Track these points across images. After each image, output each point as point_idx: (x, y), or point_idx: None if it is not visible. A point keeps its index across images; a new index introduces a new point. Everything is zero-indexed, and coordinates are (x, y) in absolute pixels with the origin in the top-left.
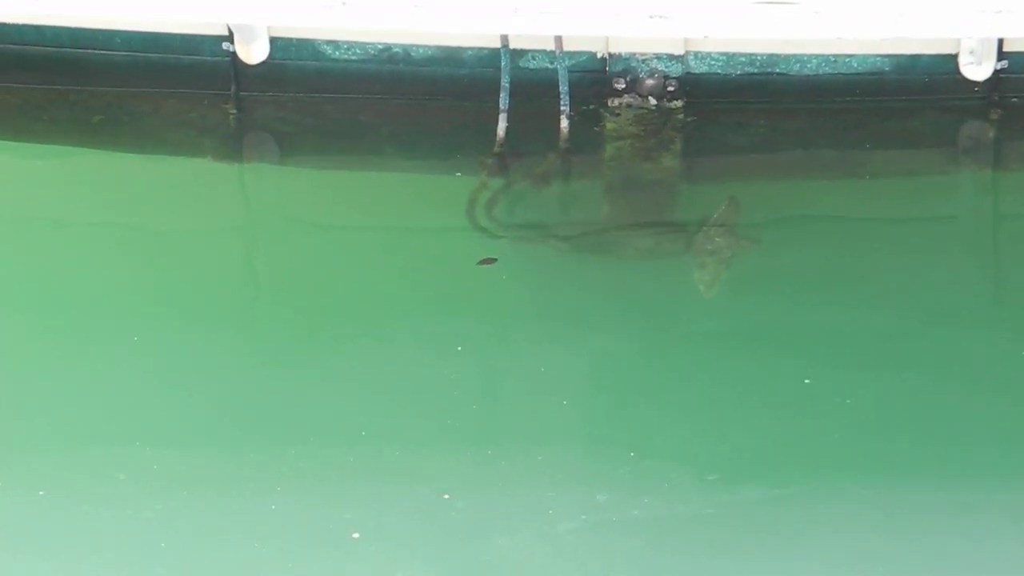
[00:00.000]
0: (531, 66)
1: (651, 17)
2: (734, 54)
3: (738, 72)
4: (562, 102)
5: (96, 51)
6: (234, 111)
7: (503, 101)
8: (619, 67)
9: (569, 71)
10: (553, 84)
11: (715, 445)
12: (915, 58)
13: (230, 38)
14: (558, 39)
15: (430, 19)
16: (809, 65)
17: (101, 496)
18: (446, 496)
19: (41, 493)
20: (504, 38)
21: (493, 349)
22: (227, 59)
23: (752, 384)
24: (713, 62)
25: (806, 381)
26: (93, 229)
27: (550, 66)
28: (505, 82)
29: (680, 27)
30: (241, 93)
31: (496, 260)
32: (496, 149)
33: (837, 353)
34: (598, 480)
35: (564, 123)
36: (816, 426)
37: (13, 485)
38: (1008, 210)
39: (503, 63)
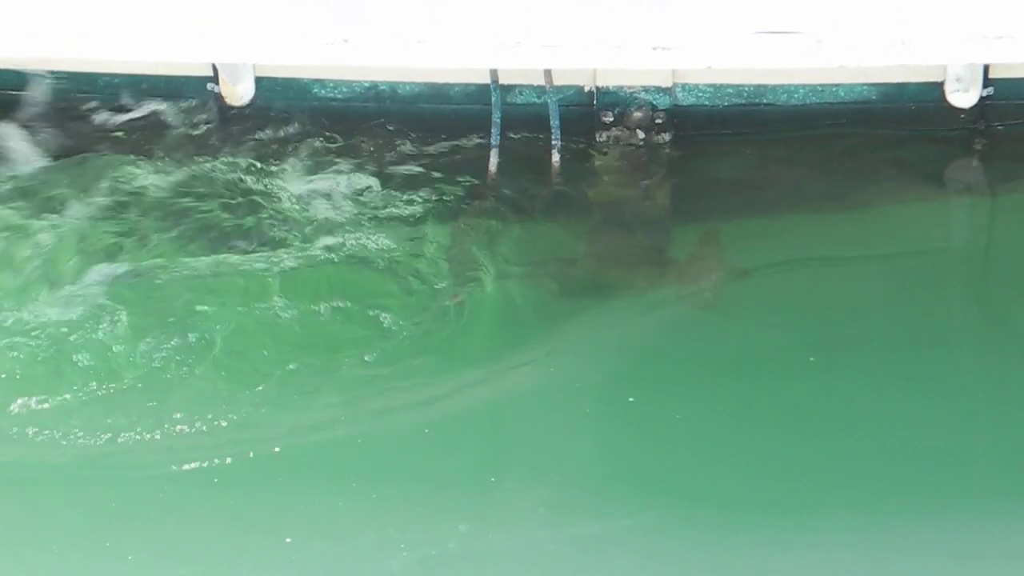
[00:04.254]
0: (518, 101)
1: (654, 49)
2: (721, 85)
3: (726, 103)
4: (553, 136)
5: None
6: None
7: (494, 137)
8: (607, 100)
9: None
10: (539, 118)
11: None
12: (902, 86)
13: (215, 79)
14: (548, 73)
15: (435, 55)
16: (796, 95)
17: None
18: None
19: None
20: (494, 73)
21: (470, 387)
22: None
23: (735, 417)
24: (701, 94)
25: (793, 412)
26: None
27: (537, 100)
28: (496, 118)
29: (683, 58)
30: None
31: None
32: (488, 184)
33: (826, 385)
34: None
35: (556, 158)
36: (810, 458)
37: None
38: (995, 237)
39: (494, 99)
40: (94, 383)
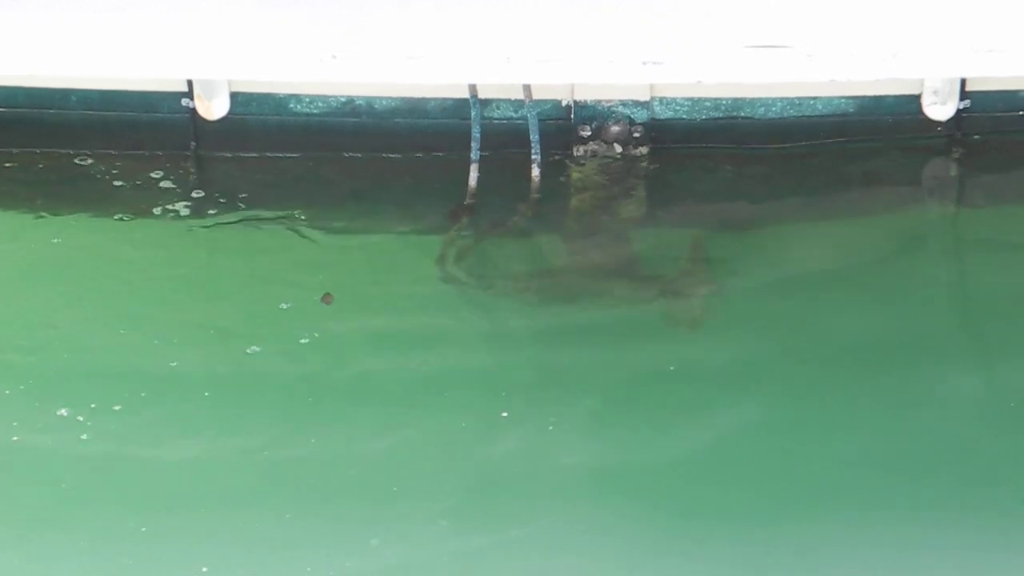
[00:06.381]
0: (495, 115)
1: (644, 63)
2: (699, 99)
3: (703, 117)
4: (533, 151)
5: (51, 111)
6: (193, 169)
7: (474, 152)
8: (585, 114)
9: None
10: (516, 133)
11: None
12: (879, 99)
13: (190, 94)
14: (527, 88)
15: (426, 70)
16: (774, 108)
17: None
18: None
19: None
20: (473, 88)
21: (450, 404)
22: (186, 115)
23: (715, 432)
24: (679, 107)
25: (780, 425)
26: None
27: (514, 115)
28: (476, 132)
29: (674, 72)
30: (201, 151)
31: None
32: (468, 200)
33: (803, 398)
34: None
35: (535, 172)
36: (791, 473)
37: None
38: (974, 248)
39: (473, 113)
40: None
